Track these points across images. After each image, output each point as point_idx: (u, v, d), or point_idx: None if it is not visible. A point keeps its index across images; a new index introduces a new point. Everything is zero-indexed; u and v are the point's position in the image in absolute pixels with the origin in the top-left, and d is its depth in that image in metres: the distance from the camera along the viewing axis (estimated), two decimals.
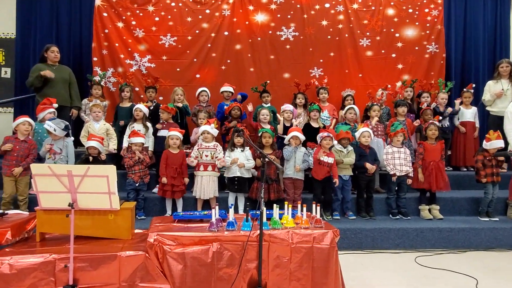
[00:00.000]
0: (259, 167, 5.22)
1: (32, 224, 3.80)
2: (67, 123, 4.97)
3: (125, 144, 5.45)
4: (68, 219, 3.06)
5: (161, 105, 5.93)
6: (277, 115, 5.97)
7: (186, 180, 5.12)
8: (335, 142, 5.29)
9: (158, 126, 5.69)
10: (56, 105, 5.35)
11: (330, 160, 5.16)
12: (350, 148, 5.41)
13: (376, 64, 7.26)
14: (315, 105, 5.90)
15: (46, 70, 5.66)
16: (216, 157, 5.11)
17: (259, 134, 5.30)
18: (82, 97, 6.49)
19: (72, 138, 5.15)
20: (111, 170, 2.99)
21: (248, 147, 5.29)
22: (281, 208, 3.92)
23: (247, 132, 5.58)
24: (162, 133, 5.59)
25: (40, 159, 5.02)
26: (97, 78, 6.43)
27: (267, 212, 3.91)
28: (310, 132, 5.64)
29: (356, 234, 4.82)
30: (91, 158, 4.86)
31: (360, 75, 7.27)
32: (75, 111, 5.99)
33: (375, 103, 6.17)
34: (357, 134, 5.46)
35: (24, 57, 7.01)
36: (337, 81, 7.17)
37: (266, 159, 3.36)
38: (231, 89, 6.45)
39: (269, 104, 6.45)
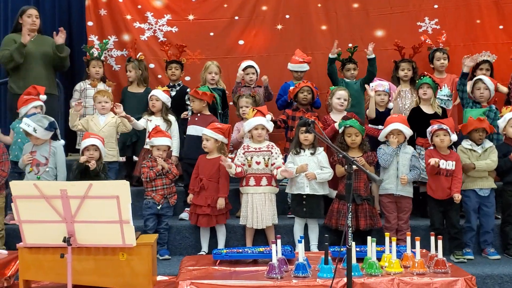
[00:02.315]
0: (341, 178, 5.18)
1: (13, 267, 4.03)
2: (53, 120, 5.17)
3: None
4: (63, 261, 3.18)
5: (189, 90, 6.04)
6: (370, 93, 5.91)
7: (220, 202, 5.13)
8: (454, 137, 5.14)
9: (184, 115, 5.81)
10: (44, 97, 5.59)
11: (450, 165, 5.02)
12: (489, 144, 5.24)
13: None
14: (426, 77, 5.75)
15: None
16: (272, 164, 5.13)
17: (340, 130, 5.27)
18: (74, 80, 6.77)
19: (63, 142, 5.38)
20: (123, 188, 3.09)
21: (322, 149, 5.25)
22: (380, 242, 3.86)
23: (321, 125, 5.55)
24: (192, 130, 5.71)
25: (21, 173, 5.31)
26: (95, 52, 6.68)
27: (358, 249, 3.88)
28: (421, 121, 5.50)
29: (503, 284, 4.66)
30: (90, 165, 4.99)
31: (501, 26, 6.98)
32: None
33: None
34: (501, 123, 5.31)
35: None
36: (463, 38, 6.94)
37: (354, 166, 3.32)
38: (306, 67, 6.38)
39: (354, 80, 6.40)
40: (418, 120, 5.55)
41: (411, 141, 5.54)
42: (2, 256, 4.22)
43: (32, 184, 3.19)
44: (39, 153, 5.14)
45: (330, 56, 6.23)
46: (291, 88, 5.97)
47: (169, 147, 5.35)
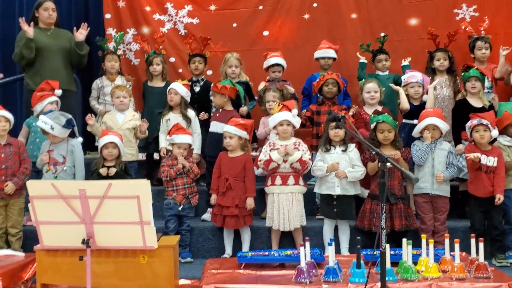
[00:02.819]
0: (374, 176, 5.14)
1: (30, 270, 4.06)
2: (70, 117, 5.20)
3: (162, 144, 5.68)
4: (82, 264, 3.20)
5: (211, 84, 6.03)
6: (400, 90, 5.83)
7: (249, 202, 5.13)
8: (495, 132, 5.08)
9: (201, 115, 5.81)
10: (59, 92, 5.66)
11: (491, 161, 4.96)
12: None
13: None
14: (473, 69, 5.68)
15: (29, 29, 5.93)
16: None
17: (372, 126, 5.21)
18: (92, 76, 6.80)
19: (81, 139, 5.42)
20: (143, 188, 3.10)
21: (354, 145, 5.21)
22: (416, 245, 3.81)
23: (351, 120, 5.49)
24: (213, 127, 5.70)
25: (38, 172, 5.35)
26: (111, 45, 6.71)
27: (392, 253, 3.83)
28: (468, 115, 5.33)
29: None
30: (110, 170, 5.04)
31: None
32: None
33: None
34: None
35: (7, 20, 7.50)
36: (504, 25, 6.82)
37: (388, 164, 3.26)
38: (332, 53, 6.32)
39: (386, 73, 6.34)
40: (465, 113, 5.42)
41: (457, 136, 5.50)
42: (19, 258, 4.27)
43: (50, 184, 3.22)
44: (57, 151, 5.18)
45: (361, 61, 6.26)
46: (315, 81, 5.90)
47: (190, 145, 5.34)
